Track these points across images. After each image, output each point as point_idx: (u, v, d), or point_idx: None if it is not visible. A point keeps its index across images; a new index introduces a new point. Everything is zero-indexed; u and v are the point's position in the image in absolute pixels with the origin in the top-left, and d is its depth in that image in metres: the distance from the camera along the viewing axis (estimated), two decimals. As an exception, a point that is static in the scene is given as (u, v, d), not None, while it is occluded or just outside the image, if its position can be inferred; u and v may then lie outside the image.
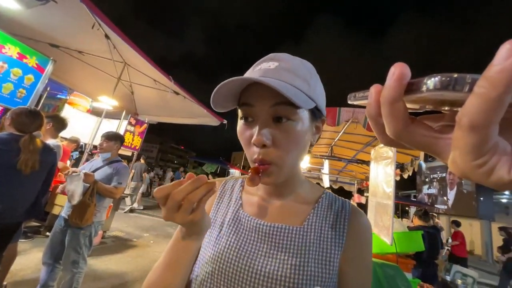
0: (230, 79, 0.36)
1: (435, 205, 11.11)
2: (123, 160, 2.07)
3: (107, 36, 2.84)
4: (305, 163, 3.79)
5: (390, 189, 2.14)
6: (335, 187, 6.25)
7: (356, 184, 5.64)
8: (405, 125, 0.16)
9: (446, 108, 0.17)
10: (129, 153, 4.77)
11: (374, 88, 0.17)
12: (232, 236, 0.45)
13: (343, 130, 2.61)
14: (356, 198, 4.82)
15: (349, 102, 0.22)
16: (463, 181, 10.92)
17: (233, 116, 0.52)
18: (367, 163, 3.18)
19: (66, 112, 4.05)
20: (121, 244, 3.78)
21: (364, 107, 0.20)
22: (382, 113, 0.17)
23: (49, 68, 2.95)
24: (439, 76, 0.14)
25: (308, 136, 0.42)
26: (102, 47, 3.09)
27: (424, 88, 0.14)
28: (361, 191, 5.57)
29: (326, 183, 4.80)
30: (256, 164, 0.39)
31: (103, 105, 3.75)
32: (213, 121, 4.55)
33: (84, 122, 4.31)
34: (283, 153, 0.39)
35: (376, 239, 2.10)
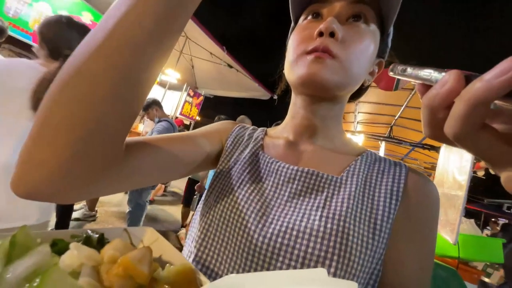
0: None
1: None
2: (168, 120, 2.34)
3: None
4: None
5: (463, 176, 1.75)
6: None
7: (420, 177, 4.84)
8: (475, 129, 0.14)
9: None
10: (187, 122, 5.34)
11: (454, 76, 0.14)
12: (245, 174, 0.36)
13: (406, 103, 2.18)
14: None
15: (390, 74, 0.19)
16: None
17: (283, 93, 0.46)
18: (437, 149, 2.65)
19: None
20: (178, 200, 4.42)
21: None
22: (455, 109, 0.14)
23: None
24: None
25: (371, 59, 0.35)
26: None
27: None
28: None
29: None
30: (314, 53, 0.31)
31: (169, 78, 4.24)
32: (263, 95, 4.60)
33: (152, 92, 5.01)
34: (350, 53, 0.31)
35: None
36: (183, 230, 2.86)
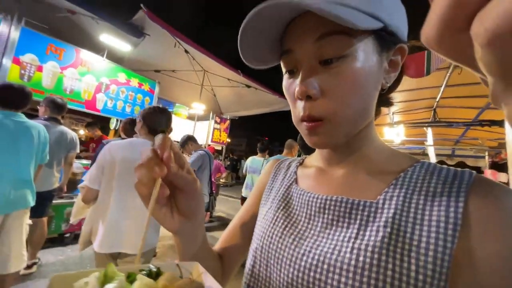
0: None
1: None
2: (203, 150, 2.57)
3: (186, 51, 3.40)
4: (399, 136, 3.13)
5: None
6: (451, 163, 4.74)
7: (487, 157, 4.14)
8: None
9: None
10: (219, 147, 5.59)
11: None
12: (279, 212, 0.38)
13: (444, 83, 1.93)
14: (489, 177, 3.52)
15: None
16: None
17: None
18: (500, 123, 2.27)
19: (174, 121, 5.26)
20: (224, 224, 4.53)
21: None
22: None
23: (156, 89, 3.90)
24: None
25: (375, 76, 0.30)
26: (185, 61, 3.73)
27: None
28: (497, 166, 4.02)
29: (432, 158, 3.68)
30: (304, 123, 0.31)
31: (196, 110, 4.58)
32: (285, 106, 4.62)
33: (184, 127, 5.42)
34: (336, 105, 0.29)
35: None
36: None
